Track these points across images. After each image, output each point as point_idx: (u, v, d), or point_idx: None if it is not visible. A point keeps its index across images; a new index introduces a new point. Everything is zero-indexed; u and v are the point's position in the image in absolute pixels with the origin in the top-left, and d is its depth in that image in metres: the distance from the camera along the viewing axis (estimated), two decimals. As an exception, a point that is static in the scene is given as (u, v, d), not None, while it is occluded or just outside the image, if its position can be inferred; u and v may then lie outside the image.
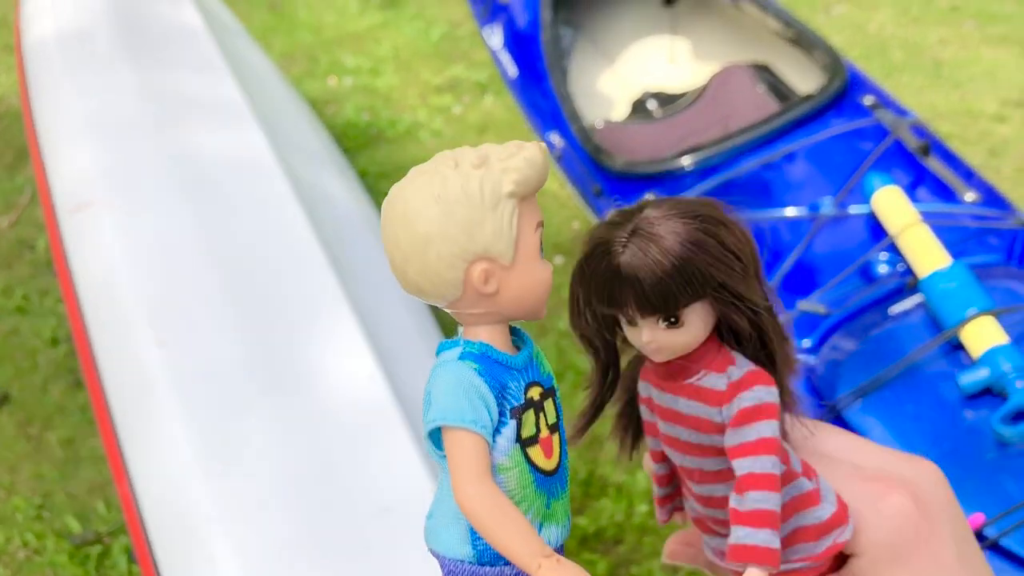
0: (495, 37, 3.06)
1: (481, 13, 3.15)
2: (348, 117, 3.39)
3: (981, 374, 1.68)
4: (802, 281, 2.01)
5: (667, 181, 2.37)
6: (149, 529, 1.50)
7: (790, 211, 2.14)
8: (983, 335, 1.71)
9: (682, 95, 2.88)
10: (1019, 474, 1.59)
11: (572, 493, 2.14)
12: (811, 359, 1.89)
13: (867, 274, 1.98)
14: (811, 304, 1.94)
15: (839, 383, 1.81)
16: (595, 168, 2.52)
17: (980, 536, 1.54)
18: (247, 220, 2.02)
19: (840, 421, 1.77)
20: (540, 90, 2.81)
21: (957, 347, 1.77)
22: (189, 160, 2.17)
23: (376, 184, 3.08)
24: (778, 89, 2.66)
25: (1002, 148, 3.10)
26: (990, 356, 1.69)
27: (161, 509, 1.52)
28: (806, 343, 1.92)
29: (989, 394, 1.69)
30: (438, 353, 0.53)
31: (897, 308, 1.88)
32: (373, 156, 3.21)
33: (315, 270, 1.87)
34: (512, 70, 2.94)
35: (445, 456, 0.52)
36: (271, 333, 1.75)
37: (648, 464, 0.59)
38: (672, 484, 0.59)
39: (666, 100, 2.92)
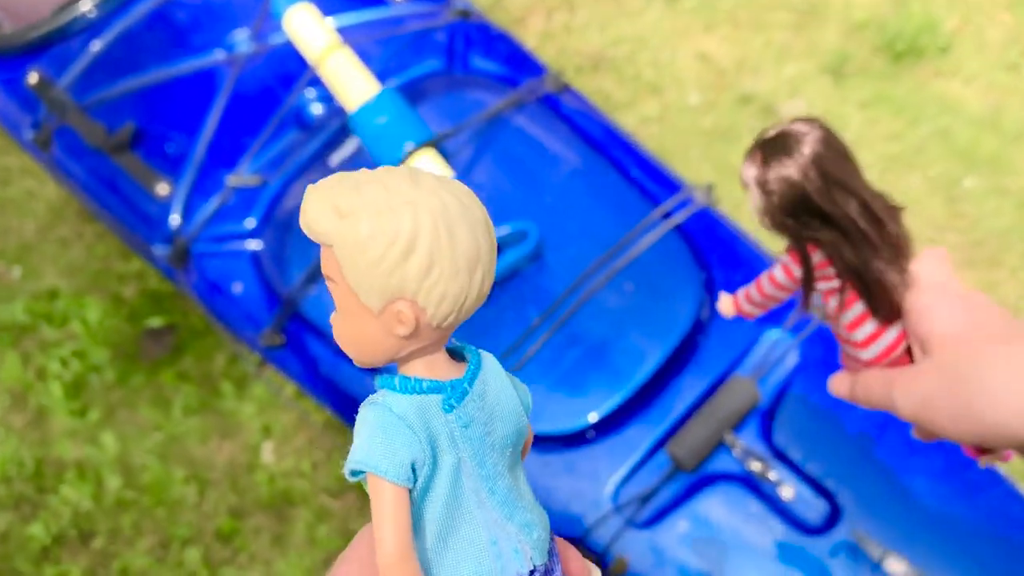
0: None
1: None
2: None
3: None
4: (231, 147, 1.63)
5: (53, 50, 1.83)
6: None
7: (205, 58, 1.72)
8: (427, 171, 1.45)
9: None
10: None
11: (24, 493, 1.70)
12: (257, 245, 1.55)
13: (302, 120, 1.63)
14: (242, 177, 1.57)
15: (289, 268, 1.49)
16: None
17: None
18: None
19: (299, 318, 1.46)
20: None
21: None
22: None
23: None
24: None
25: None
26: (439, 194, 1.43)
27: None
28: (250, 224, 1.56)
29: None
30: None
31: (337, 157, 1.57)
32: None
33: None
34: None
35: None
36: None
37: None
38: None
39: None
